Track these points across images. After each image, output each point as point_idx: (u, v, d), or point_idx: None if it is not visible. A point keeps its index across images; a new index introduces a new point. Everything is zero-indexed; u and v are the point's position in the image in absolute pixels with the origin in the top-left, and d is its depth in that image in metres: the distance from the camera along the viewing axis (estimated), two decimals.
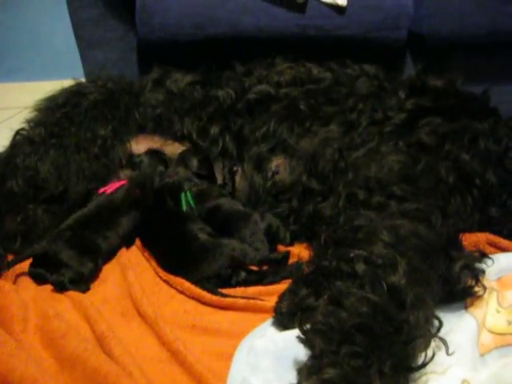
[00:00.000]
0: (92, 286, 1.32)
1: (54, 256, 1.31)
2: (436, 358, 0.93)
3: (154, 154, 1.67)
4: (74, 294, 1.26)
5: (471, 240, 1.29)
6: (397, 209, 1.16)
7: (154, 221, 1.49)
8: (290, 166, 1.55)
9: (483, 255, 1.14)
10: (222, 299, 1.22)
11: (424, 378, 0.94)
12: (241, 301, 1.21)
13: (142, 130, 1.74)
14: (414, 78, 1.66)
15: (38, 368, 0.99)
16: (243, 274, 1.30)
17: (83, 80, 1.92)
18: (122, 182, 1.57)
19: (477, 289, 1.09)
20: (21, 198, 1.52)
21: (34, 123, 1.69)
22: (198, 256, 1.32)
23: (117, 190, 1.53)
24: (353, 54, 1.76)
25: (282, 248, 1.46)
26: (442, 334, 0.97)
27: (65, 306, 1.22)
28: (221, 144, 1.67)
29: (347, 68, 1.73)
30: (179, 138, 1.73)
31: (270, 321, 1.13)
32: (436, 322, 0.98)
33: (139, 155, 1.66)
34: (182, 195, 1.53)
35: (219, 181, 1.62)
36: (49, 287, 1.30)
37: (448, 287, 1.06)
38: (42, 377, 0.97)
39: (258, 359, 1.02)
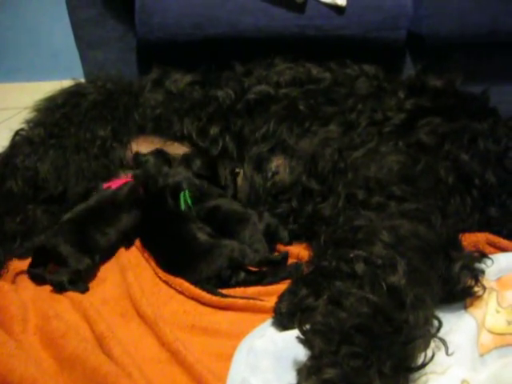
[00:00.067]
0: (91, 286, 1.32)
1: (53, 249, 1.32)
2: (436, 358, 0.93)
3: (159, 154, 1.67)
4: (73, 294, 1.26)
5: (471, 240, 1.29)
6: (396, 209, 1.16)
7: (153, 221, 1.49)
8: (289, 166, 1.55)
9: (483, 255, 1.14)
10: (222, 299, 1.22)
11: (424, 379, 0.94)
12: (240, 301, 1.21)
13: (141, 130, 1.74)
14: (413, 78, 1.66)
15: (37, 368, 0.99)
16: (242, 275, 1.29)
17: (82, 80, 1.92)
18: (127, 180, 1.58)
19: (476, 289, 1.09)
20: (20, 198, 1.52)
21: (34, 124, 1.69)
22: (196, 256, 1.32)
23: (121, 186, 1.53)
24: (352, 54, 1.76)
25: (281, 248, 1.46)
26: (441, 334, 0.97)
27: (64, 307, 1.22)
28: (221, 144, 1.67)
29: (347, 68, 1.73)
30: (179, 139, 1.73)
31: (269, 321, 1.13)
32: (436, 323, 0.98)
33: (145, 155, 1.66)
34: (181, 194, 1.53)
35: (222, 183, 1.62)
36: (48, 287, 1.30)
37: (448, 287, 1.06)
38: (41, 377, 0.97)
39: (257, 359, 1.02)
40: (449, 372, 0.96)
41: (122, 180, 1.58)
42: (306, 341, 0.96)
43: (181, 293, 1.28)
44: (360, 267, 1.00)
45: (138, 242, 1.48)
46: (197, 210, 1.50)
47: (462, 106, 1.49)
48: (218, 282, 1.28)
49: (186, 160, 1.65)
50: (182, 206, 1.51)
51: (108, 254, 1.43)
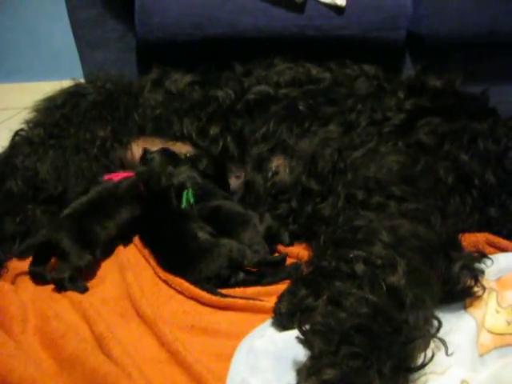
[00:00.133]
0: (91, 286, 1.32)
1: (56, 245, 1.32)
2: (435, 358, 0.93)
3: (166, 152, 1.67)
4: (72, 294, 1.26)
5: (470, 240, 1.29)
6: (396, 209, 1.16)
7: (154, 219, 1.49)
8: (289, 167, 1.54)
9: (482, 255, 1.14)
10: (222, 299, 1.22)
11: (423, 379, 0.94)
12: (240, 301, 1.21)
13: (141, 130, 1.74)
14: (413, 78, 1.66)
15: (37, 369, 0.99)
16: (242, 275, 1.30)
17: (82, 80, 1.92)
18: (129, 174, 1.58)
19: (476, 289, 1.09)
20: (20, 198, 1.52)
21: (33, 124, 1.69)
22: (196, 256, 1.32)
23: (122, 180, 1.54)
24: (352, 54, 1.76)
25: (281, 249, 1.46)
26: (441, 334, 0.97)
27: (64, 307, 1.22)
28: (221, 144, 1.67)
29: (346, 68, 1.73)
30: (179, 139, 1.73)
31: (269, 321, 1.13)
32: (435, 323, 0.98)
33: (152, 152, 1.65)
34: (184, 192, 1.53)
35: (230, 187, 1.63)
36: (48, 288, 1.30)
37: (447, 287, 1.06)
38: (41, 377, 0.97)
39: (257, 360, 1.02)
40: (448, 372, 0.96)
41: (123, 173, 1.58)
42: (305, 341, 0.96)
43: (180, 293, 1.28)
44: (360, 267, 1.00)
45: (136, 241, 1.49)
46: (198, 209, 1.50)
47: (462, 106, 1.49)
48: (217, 281, 1.28)
49: (191, 159, 1.65)
50: (184, 204, 1.52)
51: (108, 248, 1.44)
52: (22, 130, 1.68)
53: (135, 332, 1.15)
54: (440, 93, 1.55)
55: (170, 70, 1.83)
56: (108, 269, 1.39)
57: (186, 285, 1.27)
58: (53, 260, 1.36)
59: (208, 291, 1.24)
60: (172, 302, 1.26)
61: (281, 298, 1.14)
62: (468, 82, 1.57)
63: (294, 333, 0.99)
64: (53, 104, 1.72)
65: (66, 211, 1.42)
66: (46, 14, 3.05)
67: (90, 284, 1.33)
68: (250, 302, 1.21)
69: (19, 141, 1.64)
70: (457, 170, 1.32)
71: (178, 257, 1.35)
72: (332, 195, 1.36)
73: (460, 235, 1.18)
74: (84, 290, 1.29)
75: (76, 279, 1.30)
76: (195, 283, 1.27)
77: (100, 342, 1.08)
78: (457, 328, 1.04)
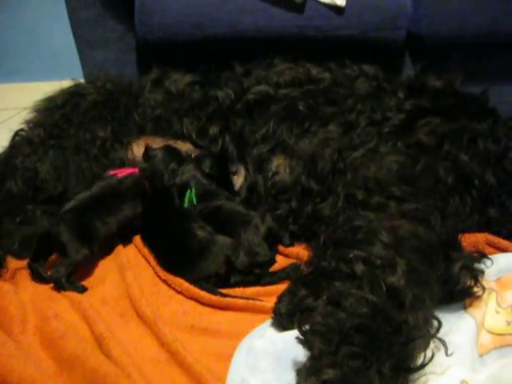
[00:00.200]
0: (90, 286, 1.32)
1: (56, 237, 1.33)
2: (435, 358, 0.93)
3: (169, 150, 1.67)
4: (72, 294, 1.26)
5: (470, 240, 1.29)
6: (396, 209, 1.16)
7: (155, 218, 1.49)
8: (289, 167, 1.54)
9: (482, 256, 1.14)
10: (221, 299, 1.22)
11: (423, 379, 0.94)
12: (240, 301, 1.21)
13: (141, 130, 1.73)
14: (412, 78, 1.66)
15: (36, 369, 0.99)
16: (237, 275, 1.30)
17: (82, 81, 1.92)
18: (133, 170, 1.58)
19: (476, 289, 1.09)
20: (20, 198, 1.53)
21: (33, 124, 1.69)
22: (195, 255, 1.33)
23: (126, 176, 1.54)
24: (351, 54, 1.75)
25: (281, 249, 1.46)
26: (441, 334, 0.97)
27: (63, 307, 1.22)
28: (220, 144, 1.66)
29: (346, 68, 1.72)
30: (179, 138, 1.73)
31: (269, 321, 1.13)
32: (435, 323, 0.98)
33: (154, 149, 1.66)
34: (187, 192, 1.54)
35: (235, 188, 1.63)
36: (47, 288, 1.30)
37: (447, 288, 1.06)
38: (40, 378, 0.97)
39: (257, 360, 1.02)
40: (448, 372, 0.96)
41: (128, 170, 1.59)
42: (305, 341, 0.96)
43: (180, 293, 1.28)
44: (359, 267, 1.00)
45: (136, 241, 1.49)
46: (200, 209, 1.50)
47: (462, 107, 1.49)
48: (217, 281, 1.28)
49: (195, 159, 1.65)
50: (186, 204, 1.52)
51: (106, 245, 1.44)
52: (21, 130, 1.68)
53: (135, 332, 1.15)
54: (440, 93, 1.55)
55: (170, 70, 1.83)
56: (108, 269, 1.39)
57: (185, 285, 1.27)
58: (52, 257, 1.37)
59: (208, 291, 1.25)
60: (172, 302, 1.26)
61: (280, 298, 1.14)
62: (468, 82, 1.57)
63: (294, 333, 0.99)
64: (53, 104, 1.72)
65: (69, 205, 1.43)
66: (45, 14, 3.05)
67: (89, 284, 1.33)
68: (250, 302, 1.21)
69: (19, 141, 1.65)
70: (457, 170, 1.32)
71: (178, 256, 1.36)
72: (332, 195, 1.36)
73: (460, 235, 1.18)
74: (83, 290, 1.30)
75: (74, 279, 1.31)
76: (195, 283, 1.27)
77: (100, 342, 1.08)
78: (456, 328, 1.04)
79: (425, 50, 1.95)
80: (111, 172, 1.57)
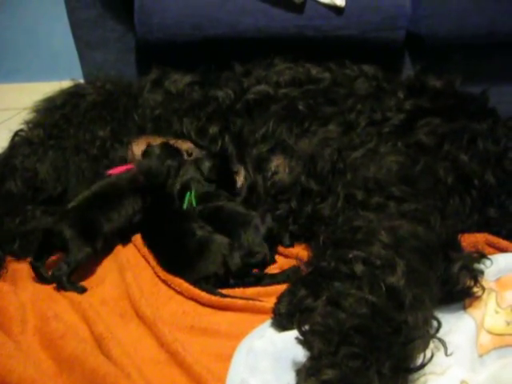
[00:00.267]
0: (90, 286, 1.32)
1: (58, 234, 1.33)
2: (435, 358, 0.93)
3: (167, 146, 1.67)
4: (72, 294, 1.26)
5: (470, 241, 1.29)
6: (395, 209, 1.16)
7: (155, 218, 1.50)
8: (289, 167, 1.54)
9: (482, 256, 1.14)
10: (221, 300, 1.22)
11: (423, 379, 0.94)
12: (240, 301, 1.21)
13: (141, 130, 1.74)
14: (412, 78, 1.66)
15: (36, 369, 0.99)
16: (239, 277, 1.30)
17: (82, 81, 1.92)
18: (129, 166, 1.59)
19: (475, 289, 1.09)
20: (19, 199, 1.53)
21: (33, 124, 1.69)
22: (194, 255, 1.33)
23: (122, 173, 1.56)
24: (351, 54, 1.75)
25: (281, 250, 1.46)
26: (440, 334, 0.97)
27: (63, 307, 1.22)
28: (220, 144, 1.66)
29: (346, 68, 1.72)
30: (179, 138, 1.73)
31: (268, 322, 1.13)
32: (435, 323, 0.98)
33: (153, 145, 1.66)
34: (187, 194, 1.54)
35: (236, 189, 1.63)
36: (47, 288, 1.30)
37: (447, 288, 1.06)
38: (40, 378, 0.97)
39: (256, 360, 1.02)
40: (448, 372, 0.96)
41: (125, 166, 1.60)
42: (305, 341, 0.96)
43: (180, 293, 1.28)
44: (359, 268, 1.00)
45: (135, 240, 1.49)
46: (200, 209, 1.50)
47: (462, 107, 1.49)
48: (216, 281, 1.28)
49: (195, 161, 1.65)
50: (185, 205, 1.52)
51: (109, 244, 1.45)
52: (21, 130, 1.68)
53: (135, 332, 1.15)
54: (440, 93, 1.55)
55: (170, 71, 1.83)
56: (107, 269, 1.39)
57: (185, 285, 1.27)
58: (52, 258, 1.37)
59: (207, 291, 1.25)
60: (171, 302, 1.26)
61: (280, 298, 1.14)
62: (467, 82, 1.57)
63: (294, 333, 0.99)
64: (52, 104, 1.72)
65: (71, 204, 1.44)
66: (45, 14, 3.04)
67: (89, 284, 1.33)
68: (250, 302, 1.21)
69: (19, 141, 1.65)
70: (456, 171, 1.32)
71: (178, 256, 1.36)
72: (331, 195, 1.36)
73: (459, 235, 1.18)
74: (83, 290, 1.30)
75: (74, 279, 1.31)
76: (194, 283, 1.27)
77: (99, 343, 1.08)
78: (456, 328, 1.04)
79: (424, 50, 1.95)
80: (108, 172, 1.58)
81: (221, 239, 1.35)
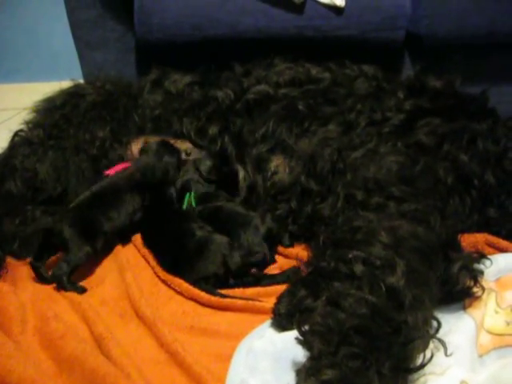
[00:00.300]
0: (90, 287, 1.32)
1: (58, 234, 1.33)
2: (435, 358, 0.93)
3: (164, 144, 1.67)
4: (72, 295, 1.26)
5: (470, 241, 1.29)
6: (395, 210, 1.16)
7: (155, 218, 1.50)
8: (288, 167, 1.54)
9: (482, 256, 1.14)
10: (221, 300, 1.22)
11: (423, 379, 0.94)
12: (239, 302, 1.21)
13: (140, 131, 1.74)
14: (412, 78, 1.66)
15: (36, 369, 0.99)
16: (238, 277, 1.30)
17: (82, 81, 1.92)
18: (126, 165, 1.60)
19: (475, 289, 1.09)
20: (19, 199, 1.53)
21: (33, 124, 1.69)
22: (193, 255, 1.33)
23: (120, 171, 1.56)
24: (351, 54, 1.76)
25: (281, 250, 1.46)
26: (440, 334, 0.97)
27: (63, 307, 1.22)
28: (219, 144, 1.66)
29: (346, 68, 1.72)
30: (179, 138, 1.73)
31: (268, 322, 1.13)
32: (434, 323, 0.98)
33: (150, 142, 1.66)
34: (187, 195, 1.54)
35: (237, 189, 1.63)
36: (47, 288, 1.30)
37: (446, 288, 1.06)
38: (40, 378, 0.97)
39: (256, 360, 1.02)
40: (448, 373, 0.96)
41: (121, 165, 1.60)
42: (304, 342, 0.95)
43: (180, 293, 1.28)
44: (359, 268, 1.00)
45: (135, 240, 1.49)
46: (200, 210, 1.50)
47: (461, 107, 1.49)
48: (216, 282, 1.28)
49: (195, 162, 1.65)
50: (185, 206, 1.52)
51: (111, 240, 1.45)
52: (21, 130, 1.68)
53: (134, 333, 1.15)
54: (440, 93, 1.55)
55: (170, 71, 1.83)
56: (107, 269, 1.39)
57: (185, 285, 1.27)
58: (52, 258, 1.37)
59: (207, 292, 1.24)
60: (171, 302, 1.26)
61: (280, 298, 1.14)
62: (467, 82, 1.57)
63: (294, 333, 0.99)
64: (52, 105, 1.72)
65: (72, 204, 1.44)
66: (45, 14, 3.05)
67: (89, 285, 1.33)
68: (250, 302, 1.21)
69: (18, 141, 1.65)
70: (456, 171, 1.32)
71: (178, 256, 1.36)
72: (331, 195, 1.36)
73: (459, 236, 1.18)
74: (82, 291, 1.30)
75: (74, 279, 1.31)
76: (194, 283, 1.27)
77: (99, 343, 1.08)
78: (456, 328, 1.04)
79: (424, 50, 1.95)
80: (106, 172, 1.58)
81: (220, 239, 1.35)
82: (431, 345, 0.95)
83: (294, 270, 1.29)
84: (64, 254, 1.33)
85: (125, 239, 1.50)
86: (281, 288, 1.18)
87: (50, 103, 1.73)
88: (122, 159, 1.68)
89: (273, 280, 1.31)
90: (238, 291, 1.27)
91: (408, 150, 1.36)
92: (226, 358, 1.05)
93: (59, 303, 1.24)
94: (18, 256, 1.42)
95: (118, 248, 1.47)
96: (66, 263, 1.30)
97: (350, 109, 1.57)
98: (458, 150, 1.36)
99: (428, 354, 0.92)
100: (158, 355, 1.07)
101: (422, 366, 0.91)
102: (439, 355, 0.95)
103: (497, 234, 1.35)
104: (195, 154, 1.70)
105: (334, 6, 1.80)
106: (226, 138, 1.66)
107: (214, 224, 1.44)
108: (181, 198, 1.56)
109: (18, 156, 1.58)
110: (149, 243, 1.45)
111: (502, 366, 0.98)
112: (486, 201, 1.35)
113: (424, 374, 0.94)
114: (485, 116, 1.46)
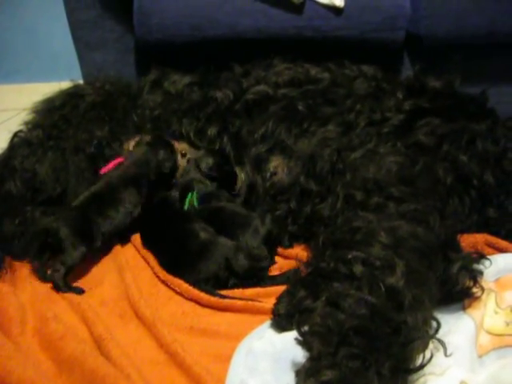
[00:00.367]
0: (89, 287, 1.32)
1: (54, 234, 1.33)
2: (434, 359, 0.93)
3: (159, 139, 1.67)
4: (71, 295, 1.26)
5: (469, 241, 1.29)
6: (395, 210, 1.16)
7: (156, 219, 1.50)
8: (288, 167, 1.54)
9: (481, 256, 1.14)
10: (221, 300, 1.22)
11: (422, 380, 0.94)
12: (239, 302, 1.21)
13: (140, 131, 1.73)
14: (411, 78, 1.66)
15: (35, 371, 0.99)
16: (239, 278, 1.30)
17: (81, 82, 1.92)
18: (120, 160, 1.59)
19: (475, 290, 1.09)
20: (19, 200, 1.52)
21: (32, 125, 1.69)
22: (195, 256, 1.33)
23: (115, 167, 1.56)
24: (350, 54, 1.75)
25: (281, 250, 1.46)
26: (440, 335, 0.97)
27: (62, 308, 1.22)
28: (219, 144, 1.66)
29: (345, 69, 1.72)
30: (177, 139, 1.73)
31: (268, 323, 1.13)
32: (434, 324, 0.98)
33: (144, 137, 1.67)
34: (188, 195, 1.54)
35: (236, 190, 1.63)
36: (47, 289, 1.30)
37: (446, 288, 1.06)
38: (39, 379, 0.97)
39: (256, 361, 1.02)
40: (447, 373, 0.96)
41: (115, 161, 1.60)
42: (304, 342, 0.95)
43: (179, 294, 1.28)
44: (358, 268, 1.00)
45: (135, 240, 1.48)
46: (200, 210, 1.50)
47: (461, 107, 1.49)
48: (216, 282, 1.28)
49: (196, 161, 1.65)
50: (186, 206, 1.52)
51: (111, 240, 1.45)
52: (20, 131, 1.68)
53: (134, 333, 1.15)
54: (439, 93, 1.55)
55: (169, 71, 1.83)
56: (107, 270, 1.39)
57: (185, 286, 1.27)
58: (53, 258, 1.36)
59: (207, 292, 1.24)
60: (171, 303, 1.26)
61: (279, 299, 1.14)
62: (467, 82, 1.57)
63: (293, 334, 0.99)
64: (51, 105, 1.72)
65: (72, 204, 1.45)
66: (45, 14, 3.04)
67: (88, 285, 1.33)
68: (249, 303, 1.21)
69: (18, 142, 1.64)
70: (456, 171, 1.32)
71: (179, 257, 1.36)
72: (331, 196, 1.35)
73: (459, 236, 1.18)
74: (79, 292, 1.29)
75: (74, 280, 1.31)
76: (194, 284, 1.27)
77: (99, 344, 1.08)
78: (455, 329, 1.04)
79: (423, 50, 1.95)
80: (101, 171, 1.58)
81: (225, 241, 1.35)
82: (431, 345, 0.95)
83: (294, 271, 1.29)
84: (60, 255, 1.33)
85: (124, 239, 1.50)
86: (280, 288, 1.18)
87: (49, 104, 1.73)
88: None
89: (273, 281, 1.31)
90: (237, 292, 1.27)
91: (407, 151, 1.36)
92: (225, 359, 1.05)
93: (59, 304, 1.23)
94: (18, 256, 1.42)
95: (118, 248, 1.47)
96: (61, 264, 1.30)
97: (349, 109, 1.57)
98: (457, 151, 1.36)
99: (428, 354, 0.92)
100: (157, 356, 1.07)
101: (422, 366, 0.91)
102: (439, 355, 0.95)
103: (496, 234, 1.35)
104: (192, 154, 1.70)
105: (333, 6, 1.80)
106: (225, 139, 1.65)
107: (214, 224, 1.43)
108: (183, 198, 1.55)
109: (17, 157, 1.58)
110: (148, 243, 1.45)
111: (501, 366, 0.98)
112: (486, 201, 1.35)
113: (424, 375, 0.94)
114: (484, 116, 1.46)
